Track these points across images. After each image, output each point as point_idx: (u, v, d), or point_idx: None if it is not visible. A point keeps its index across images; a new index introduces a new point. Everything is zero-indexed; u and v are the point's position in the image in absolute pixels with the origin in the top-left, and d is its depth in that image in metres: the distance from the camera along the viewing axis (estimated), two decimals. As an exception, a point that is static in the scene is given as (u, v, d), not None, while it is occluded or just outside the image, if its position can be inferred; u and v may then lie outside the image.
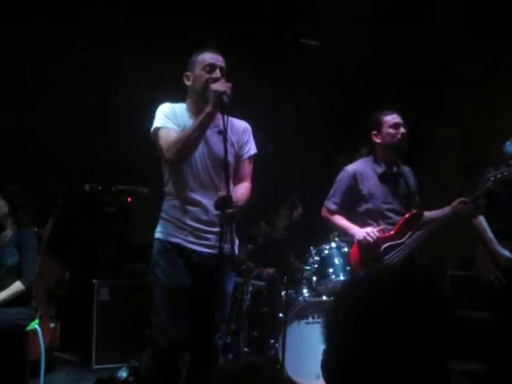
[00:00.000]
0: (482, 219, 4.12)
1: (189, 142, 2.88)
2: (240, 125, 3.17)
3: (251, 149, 3.19)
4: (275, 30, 5.71)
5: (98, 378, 4.36)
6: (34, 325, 4.02)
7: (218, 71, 2.99)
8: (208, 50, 3.08)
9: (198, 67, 3.04)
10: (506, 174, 3.59)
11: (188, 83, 3.09)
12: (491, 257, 4.09)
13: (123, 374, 4.34)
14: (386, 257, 3.59)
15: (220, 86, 2.87)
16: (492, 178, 3.59)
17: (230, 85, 2.91)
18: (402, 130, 3.69)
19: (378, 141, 3.73)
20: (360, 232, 3.61)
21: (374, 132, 3.74)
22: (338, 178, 3.80)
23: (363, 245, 3.59)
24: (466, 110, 5.58)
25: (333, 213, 3.78)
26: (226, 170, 2.83)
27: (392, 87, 5.82)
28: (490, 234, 4.11)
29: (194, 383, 2.96)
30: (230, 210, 2.76)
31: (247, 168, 3.18)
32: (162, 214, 3.09)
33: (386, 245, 3.61)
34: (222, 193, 2.82)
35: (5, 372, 3.86)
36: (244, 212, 3.05)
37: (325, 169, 5.64)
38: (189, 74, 3.08)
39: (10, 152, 5.04)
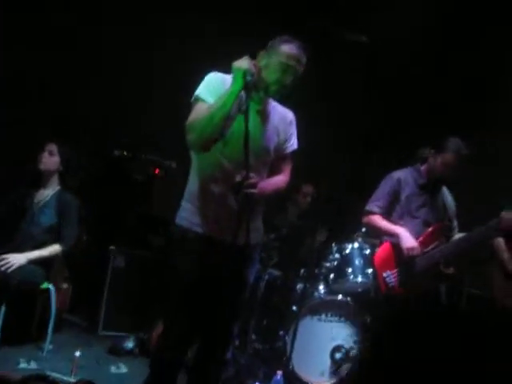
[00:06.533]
0: (500, 240, 4.09)
1: (210, 126, 2.60)
2: (287, 114, 2.92)
3: (294, 143, 2.94)
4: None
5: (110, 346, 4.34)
6: (48, 284, 4.03)
7: (289, 75, 2.69)
8: (294, 45, 2.72)
9: (274, 58, 2.71)
10: None
11: (256, 62, 2.71)
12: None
13: (129, 344, 4.32)
14: (415, 262, 3.70)
15: (243, 63, 2.60)
16: None
17: (254, 62, 2.64)
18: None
19: (439, 162, 3.74)
20: (411, 241, 3.68)
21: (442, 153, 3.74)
22: (383, 182, 3.93)
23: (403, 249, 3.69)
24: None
25: (375, 215, 3.89)
26: (246, 148, 2.57)
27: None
28: (507, 255, 4.08)
29: (203, 370, 2.89)
30: (247, 191, 2.56)
31: (288, 162, 2.94)
32: (186, 197, 2.83)
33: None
34: (240, 177, 2.60)
35: (16, 326, 3.88)
36: (268, 202, 2.91)
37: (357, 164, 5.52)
38: (264, 55, 2.75)
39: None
